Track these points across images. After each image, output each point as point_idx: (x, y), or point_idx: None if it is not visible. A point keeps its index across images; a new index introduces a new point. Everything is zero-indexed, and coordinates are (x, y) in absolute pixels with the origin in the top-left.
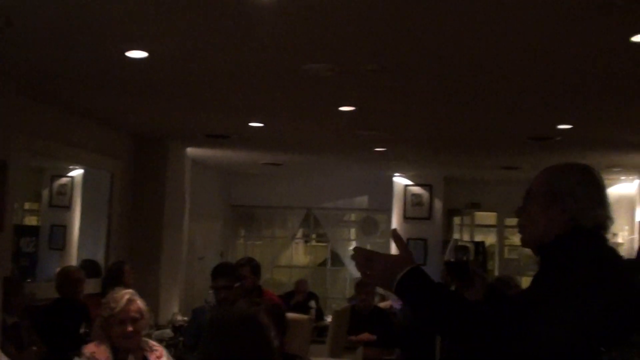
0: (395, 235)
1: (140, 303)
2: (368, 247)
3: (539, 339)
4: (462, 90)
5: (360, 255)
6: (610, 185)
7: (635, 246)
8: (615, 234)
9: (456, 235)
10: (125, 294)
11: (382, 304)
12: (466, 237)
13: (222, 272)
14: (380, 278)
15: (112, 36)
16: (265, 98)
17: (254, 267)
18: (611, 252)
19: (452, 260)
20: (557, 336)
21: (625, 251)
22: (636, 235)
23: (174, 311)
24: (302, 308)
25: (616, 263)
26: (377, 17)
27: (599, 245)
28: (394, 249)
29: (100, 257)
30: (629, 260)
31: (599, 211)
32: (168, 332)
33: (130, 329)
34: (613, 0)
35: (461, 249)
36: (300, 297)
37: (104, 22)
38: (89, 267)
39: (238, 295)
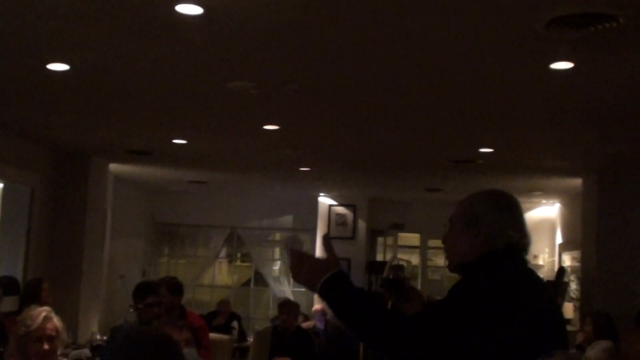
0: (325, 240)
1: (56, 321)
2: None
3: (448, 352)
4: (384, 112)
5: (294, 256)
6: (531, 208)
7: (556, 268)
8: (536, 256)
9: (379, 256)
10: (42, 312)
11: (304, 324)
12: (388, 259)
13: (149, 290)
14: (306, 279)
15: (33, 48)
16: (189, 115)
17: (172, 287)
18: (523, 272)
19: (390, 277)
20: (462, 351)
21: (546, 273)
22: (556, 258)
23: (93, 330)
24: (225, 329)
25: (527, 282)
26: (300, 37)
27: (509, 265)
28: None
29: (18, 274)
30: (549, 282)
31: (510, 233)
32: (86, 352)
33: (46, 347)
34: (534, 28)
35: (397, 267)
36: (222, 317)
37: (25, 33)
38: (7, 284)
39: (155, 315)
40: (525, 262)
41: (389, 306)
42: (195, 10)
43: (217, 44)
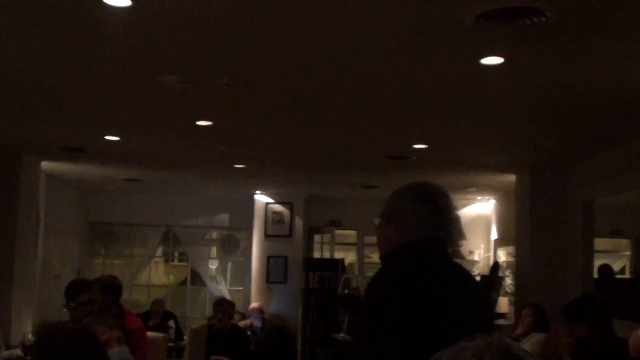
0: None
1: None
2: (229, 265)
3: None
4: (318, 108)
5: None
6: (467, 205)
7: (491, 263)
8: (471, 252)
9: (317, 253)
10: None
11: (241, 323)
12: (327, 255)
13: (81, 288)
14: None
15: None
16: (121, 110)
17: (106, 286)
18: (433, 264)
19: (345, 292)
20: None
21: (481, 268)
22: (492, 253)
23: (26, 331)
24: (161, 328)
25: (435, 273)
26: (231, 30)
27: (418, 258)
28: (254, 267)
29: None
30: (484, 277)
31: (426, 227)
32: (17, 352)
33: None
34: (463, 22)
35: (348, 280)
36: (157, 317)
37: None
38: None
39: (87, 314)
40: (443, 255)
41: (345, 321)
42: (123, 2)
43: (145, 37)
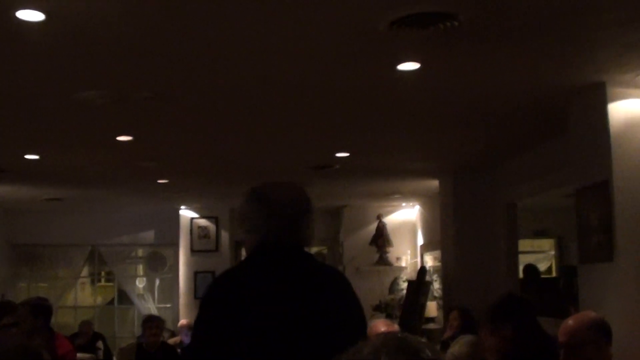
0: None
1: None
2: (157, 282)
3: None
4: (240, 120)
5: None
6: (393, 212)
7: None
8: (399, 258)
9: None
10: None
11: (171, 340)
12: None
13: (6, 310)
14: None
15: None
16: (39, 128)
17: (34, 308)
18: (261, 267)
19: None
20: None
21: (409, 274)
22: (419, 259)
23: None
24: (90, 349)
25: (261, 277)
26: (150, 44)
27: (251, 261)
28: (182, 283)
29: None
30: (412, 282)
31: (261, 231)
32: None
33: None
34: (377, 28)
35: None
36: (84, 338)
37: None
38: None
39: (10, 337)
40: (282, 257)
41: None
42: (36, 16)
43: (61, 52)
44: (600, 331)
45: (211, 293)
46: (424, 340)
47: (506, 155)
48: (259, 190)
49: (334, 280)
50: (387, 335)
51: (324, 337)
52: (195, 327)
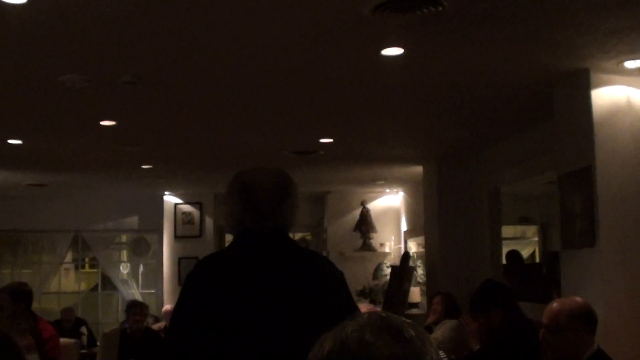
0: None
1: None
2: (141, 268)
3: None
4: (223, 105)
5: None
6: (376, 198)
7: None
8: (382, 244)
9: None
10: None
11: (155, 326)
12: None
13: None
14: None
15: None
16: (22, 112)
17: (14, 293)
18: (236, 251)
19: None
20: None
21: (392, 260)
22: (402, 245)
23: None
24: (74, 334)
25: (235, 261)
26: (132, 27)
27: (234, 246)
28: (166, 269)
29: None
30: (395, 267)
31: (238, 216)
32: None
33: None
34: (361, 13)
35: None
36: (68, 325)
37: None
38: None
39: None
40: (262, 242)
41: None
42: None
43: (43, 34)
44: (582, 319)
45: (191, 276)
46: (407, 320)
47: (490, 142)
48: (240, 176)
49: (317, 265)
50: (371, 313)
51: (306, 323)
52: (175, 310)
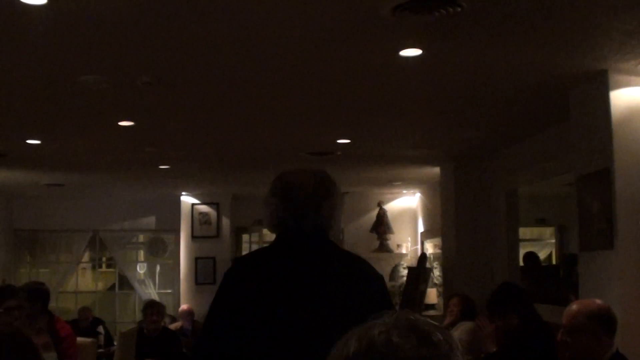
0: None
1: None
2: (157, 268)
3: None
4: (241, 106)
5: None
6: (393, 199)
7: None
8: (399, 245)
9: (245, 253)
10: None
11: (172, 326)
12: None
13: (9, 293)
14: None
15: None
16: (42, 112)
17: (32, 292)
18: (280, 251)
19: None
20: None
21: (409, 261)
22: (419, 246)
23: None
24: (90, 334)
25: (279, 262)
26: (151, 29)
27: (271, 247)
28: (183, 269)
29: None
30: (412, 269)
31: (278, 215)
32: None
33: None
34: (380, 14)
35: None
36: (85, 324)
37: None
38: None
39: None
40: (300, 243)
41: None
42: (38, 0)
43: (64, 36)
44: (601, 322)
45: (230, 274)
46: (435, 322)
47: (507, 143)
48: (282, 176)
49: (356, 267)
50: (399, 314)
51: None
52: (212, 306)
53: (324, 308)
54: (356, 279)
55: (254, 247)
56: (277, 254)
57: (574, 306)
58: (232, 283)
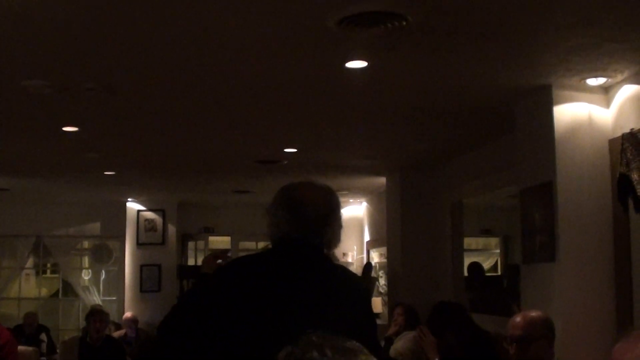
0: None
1: None
2: (102, 275)
3: None
4: (188, 113)
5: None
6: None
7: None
8: (345, 254)
9: (191, 260)
10: None
11: (115, 333)
12: (201, 262)
13: None
14: None
15: None
16: None
17: None
18: (278, 263)
19: None
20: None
21: (355, 269)
22: (365, 255)
23: None
24: (33, 341)
25: (273, 273)
26: (95, 34)
27: (271, 253)
28: (128, 276)
29: None
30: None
31: (283, 227)
32: None
33: None
34: (327, 26)
35: None
36: (30, 330)
37: None
38: None
39: None
40: (301, 256)
41: None
42: None
43: (5, 39)
44: (550, 328)
45: (223, 272)
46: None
47: (453, 154)
48: (291, 190)
49: (348, 281)
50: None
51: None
52: (188, 295)
53: (320, 320)
54: (350, 293)
55: (200, 254)
56: (278, 264)
57: (518, 318)
58: (229, 283)
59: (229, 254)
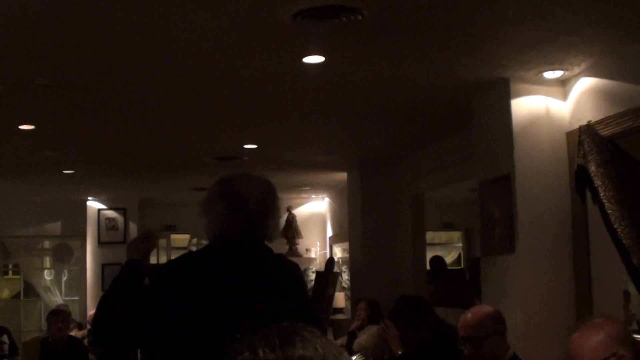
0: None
1: None
2: (64, 275)
3: None
4: (144, 110)
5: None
6: (302, 204)
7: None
8: (308, 250)
9: (153, 259)
10: None
11: (78, 333)
12: (163, 260)
13: None
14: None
15: None
16: None
17: None
18: (215, 258)
19: None
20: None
21: (318, 265)
22: (327, 250)
23: None
24: None
25: (209, 269)
26: (47, 28)
27: (213, 250)
28: (89, 275)
29: None
30: (320, 273)
31: (224, 223)
32: None
33: None
34: (282, 20)
35: None
36: None
37: None
38: None
39: None
40: (246, 252)
41: None
42: None
43: None
44: (501, 322)
45: (163, 271)
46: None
47: (412, 148)
48: (229, 183)
49: (285, 268)
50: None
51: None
52: (148, 292)
53: (267, 309)
54: (287, 277)
55: (162, 252)
56: (220, 260)
57: (469, 315)
58: (173, 279)
59: (154, 238)
